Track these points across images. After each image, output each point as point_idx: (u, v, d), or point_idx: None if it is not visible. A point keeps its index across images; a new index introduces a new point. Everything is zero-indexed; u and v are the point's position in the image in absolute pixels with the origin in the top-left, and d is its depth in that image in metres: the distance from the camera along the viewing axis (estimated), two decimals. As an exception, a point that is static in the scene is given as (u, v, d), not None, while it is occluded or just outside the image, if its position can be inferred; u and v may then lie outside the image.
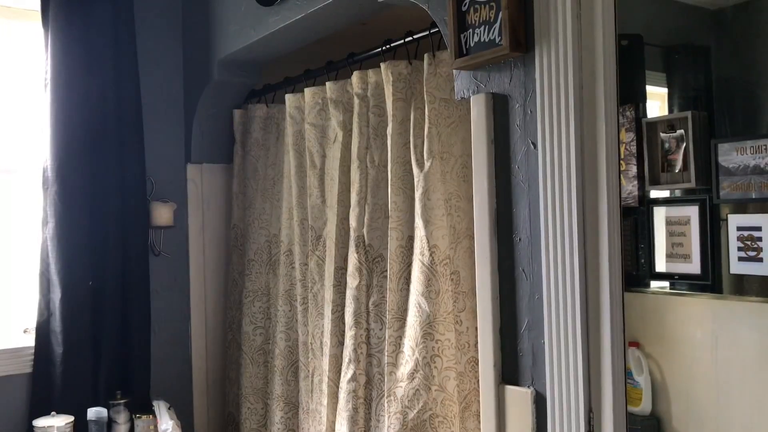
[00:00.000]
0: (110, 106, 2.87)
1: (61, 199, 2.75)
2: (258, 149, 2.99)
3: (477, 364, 1.89)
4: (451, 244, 2.09)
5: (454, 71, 1.80)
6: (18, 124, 2.91)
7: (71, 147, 2.78)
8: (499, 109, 1.66)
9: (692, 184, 2.67)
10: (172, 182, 3.11)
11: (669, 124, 2.77)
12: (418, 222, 2.11)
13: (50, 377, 2.77)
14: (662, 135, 2.79)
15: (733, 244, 2.55)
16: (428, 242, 2.06)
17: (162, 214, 2.99)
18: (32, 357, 2.79)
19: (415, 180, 2.13)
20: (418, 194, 2.11)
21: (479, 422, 1.76)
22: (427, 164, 2.09)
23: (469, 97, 1.74)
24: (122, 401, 2.77)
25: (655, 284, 2.85)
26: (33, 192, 2.87)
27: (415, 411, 2.04)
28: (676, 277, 2.75)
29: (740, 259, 2.53)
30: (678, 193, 2.80)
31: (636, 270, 2.86)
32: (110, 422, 2.73)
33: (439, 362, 2.02)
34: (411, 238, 2.19)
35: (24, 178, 2.92)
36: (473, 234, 1.76)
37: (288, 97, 2.74)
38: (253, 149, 3.00)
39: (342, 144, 2.46)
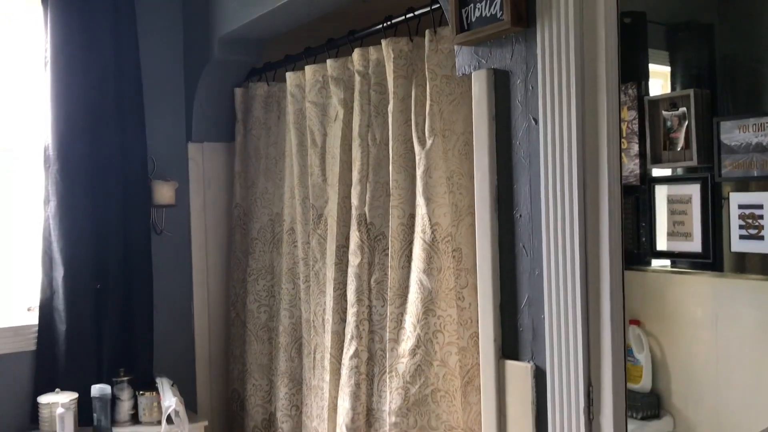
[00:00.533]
0: (111, 84, 2.86)
1: (62, 178, 2.76)
2: (259, 128, 2.99)
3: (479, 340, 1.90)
4: (453, 221, 2.09)
5: (455, 47, 1.80)
6: (18, 103, 2.90)
7: (72, 126, 2.78)
8: (501, 84, 1.65)
9: (694, 163, 2.67)
10: (174, 161, 3.11)
11: (671, 102, 2.76)
12: (420, 200, 2.11)
13: (54, 355, 2.79)
14: (664, 113, 2.78)
15: (735, 222, 2.55)
16: (430, 220, 2.07)
17: (163, 192, 2.99)
18: (36, 335, 2.81)
19: (417, 158, 2.13)
20: (419, 172, 2.11)
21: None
22: (428, 142, 2.08)
23: (471, 73, 1.74)
24: (125, 378, 2.79)
25: (656, 262, 2.86)
26: (35, 171, 2.87)
27: (416, 386, 2.05)
28: (677, 255, 2.76)
29: (741, 237, 2.54)
30: (680, 171, 2.80)
31: (637, 248, 2.86)
32: (114, 399, 2.75)
33: (440, 338, 2.03)
34: (412, 216, 2.19)
35: (25, 157, 2.92)
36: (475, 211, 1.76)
37: (289, 75, 2.73)
38: (254, 128, 3.00)
39: (343, 122, 2.45)
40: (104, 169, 2.85)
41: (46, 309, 2.80)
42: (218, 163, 3.19)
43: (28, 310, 2.89)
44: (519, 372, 1.60)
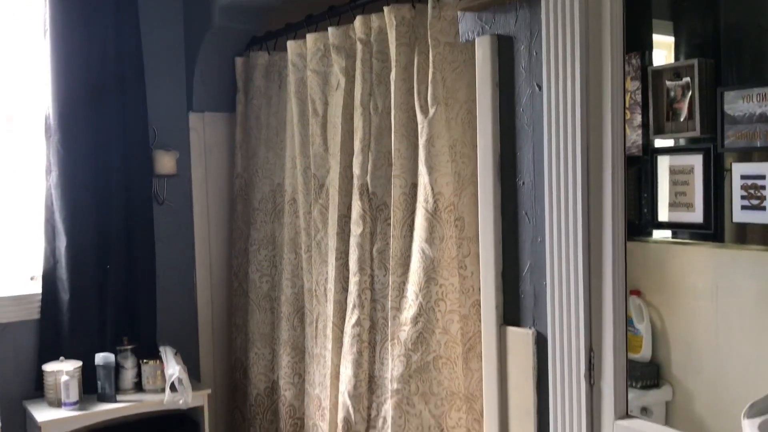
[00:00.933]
0: (111, 53, 2.85)
1: (63, 147, 2.75)
2: (260, 98, 2.97)
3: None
4: (455, 190, 2.09)
5: (458, 13, 1.78)
6: (18, 72, 2.88)
7: (72, 95, 2.76)
8: (504, 51, 1.64)
9: (697, 133, 2.65)
10: (175, 131, 3.10)
11: (675, 72, 2.74)
12: (422, 169, 2.10)
13: (58, 323, 2.81)
14: (668, 83, 2.76)
15: (737, 192, 2.54)
16: (432, 189, 2.07)
17: (165, 162, 2.99)
18: (39, 304, 2.82)
19: (419, 126, 2.12)
20: (422, 141, 2.10)
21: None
22: (431, 110, 2.07)
23: (474, 39, 1.72)
24: (129, 347, 2.81)
25: (657, 233, 2.85)
26: (36, 140, 2.86)
27: (418, 354, 2.07)
28: (679, 226, 2.76)
29: (743, 207, 2.53)
30: (682, 142, 2.78)
31: (638, 219, 2.86)
32: (117, 367, 2.77)
33: (442, 306, 2.04)
34: (415, 186, 2.19)
35: (26, 126, 2.91)
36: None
37: (290, 43, 2.71)
38: (255, 98, 2.99)
39: (345, 91, 2.44)
40: (105, 139, 2.84)
41: (49, 278, 2.81)
42: (219, 133, 3.18)
43: (31, 279, 2.90)
44: (520, 338, 1.61)
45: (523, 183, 1.62)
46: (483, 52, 1.67)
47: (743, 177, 2.52)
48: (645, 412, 2.64)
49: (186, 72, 3.12)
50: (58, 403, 2.64)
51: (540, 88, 1.56)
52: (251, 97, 3.00)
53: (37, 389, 2.76)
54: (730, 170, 2.58)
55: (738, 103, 2.53)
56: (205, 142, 3.16)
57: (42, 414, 2.60)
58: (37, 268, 2.85)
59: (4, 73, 2.87)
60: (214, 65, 3.10)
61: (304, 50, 2.65)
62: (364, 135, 2.34)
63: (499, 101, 1.66)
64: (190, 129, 3.13)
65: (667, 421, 2.67)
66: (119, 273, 2.88)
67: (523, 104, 1.61)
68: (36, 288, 2.84)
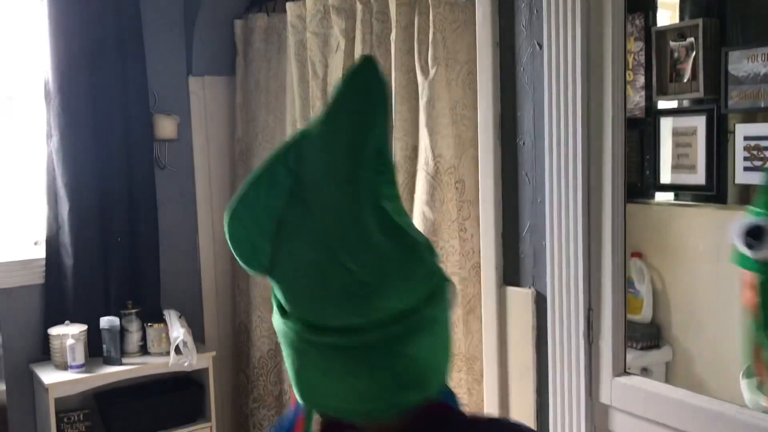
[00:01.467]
0: (109, 16, 2.82)
1: (63, 112, 2.74)
2: (260, 61, 2.95)
3: (480, 269, 1.91)
4: (456, 153, 2.08)
5: (458, -29, 1.76)
6: (17, 36, 2.86)
7: (71, 59, 2.74)
8: (505, 8, 1.62)
9: (700, 94, 2.63)
10: (175, 95, 3.08)
11: (679, 32, 2.70)
12: (423, 131, 2.09)
13: (62, 288, 2.83)
14: (672, 44, 2.73)
15: (740, 153, 2.53)
16: (433, 152, 2.06)
17: (165, 127, 2.98)
18: (44, 268, 2.84)
19: (420, 88, 2.11)
20: (422, 103, 2.09)
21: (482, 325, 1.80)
22: (431, 71, 2.06)
23: (474, -3, 1.70)
24: (134, 311, 2.83)
25: (659, 195, 2.85)
26: (35, 105, 2.85)
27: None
28: (681, 188, 2.75)
29: (746, 168, 2.52)
30: (686, 103, 2.76)
31: (640, 182, 2.85)
32: (123, 331, 2.80)
33: (442, 268, 2.05)
34: (415, 148, 2.18)
35: (26, 90, 2.90)
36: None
37: (289, 5, 2.68)
38: (255, 61, 2.96)
39: (344, 53, 2.42)
40: (105, 103, 2.83)
41: (52, 243, 2.83)
42: (220, 97, 3.17)
43: (35, 243, 2.92)
44: (520, 298, 1.62)
45: (524, 143, 1.61)
46: (483, 11, 1.65)
47: (746, 138, 2.51)
48: (645, 372, 2.67)
49: (185, 35, 3.10)
50: (64, 366, 2.67)
51: (540, 46, 1.55)
52: (251, 60, 2.98)
53: (44, 353, 2.80)
54: (734, 131, 2.56)
55: (742, 63, 2.51)
56: (206, 106, 3.15)
57: (49, 376, 2.64)
58: (41, 233, 2.87)
59: (2, 39, 2.84)
60: (213, 28, 3.07)
61: (303, 12, 2.62)
62: (365, 97, 2.32)
63: (500, 61, 1.64)
64: (190, 93, 3.11)
65: (668, 381, 2.70)
66: (122, 237, 2.89)
67: (524, 64, 1.60)
68: (40, 253, 2.85)
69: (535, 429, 1.60)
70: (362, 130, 0.79)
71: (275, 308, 0.84)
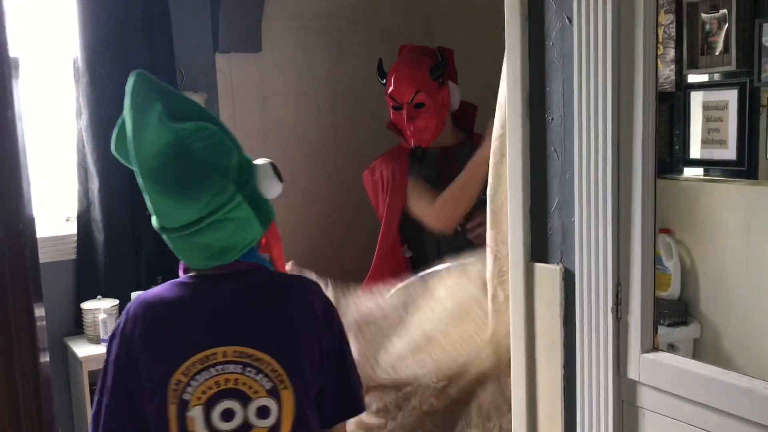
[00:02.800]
0: (136, -6, 2.84)
1: (92, 89, 2.77)
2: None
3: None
4: None
5: (487, -56, 1.73)
6: (45, 14, 2.89)
7: (99, 37, 2.77)
8: (534, -18, 1.60)
9: (732, 67, 2.58)
10: (202, 72, 3.10)
11: (711, 3, 2.65)
12: None
13: (93, 263, 2.88)
14: (703, 16, 2.68)
15: (773, 128, 2.49)
16: None
17: (193, 104, 3.00)
18: (75, 244, 2.89)
19: None
20: None
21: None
22: None
23: (503, -29, 1.68)
24: (163, 285, 2.88)
25: (688, 171, 2.81)
26: (65, 83, 2.89)
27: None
28: (711, 163, 2.71)
29: (778, 144, 2.48)
30: (717, 77, 2.71)
31: (670, 157, 2.81)
32: (153, 305, 2.85)
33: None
34: None
35: (56, 68, 2.93)
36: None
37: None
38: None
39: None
40: (133, 81, 2.85)
41: (83, 219, 2.88)
42: (246, 74, 3.18)
43: (67, 220, 2.97)
44: (548, 274, 1.61)
45: (552, 119, 1.60)
46: (512, -15, 1.63)
47: (779, 112, 2.46)
48: (672, 349, 2.65)
49: (212, 13, 3.10)
50: (97, 340, 2.74)
51: (570, 21, 1.52)
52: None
53: (77, 326, 2.86)
54: (766, 105, 2.52)
55: (777, 36, 2.45)
56: (233, 83, 3.16)
57: (82, 350, 2.70)
58: (72, 210, 2.92)
59: (33, 17, 2.87)
60: (241, 4, 3.07)
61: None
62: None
63: (529, 35, 1.62)
64: (216, 70, 3.12)
65: (695, 358, 2.68)
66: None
67: (553, 38, 1.58)
68: (72, 229, 2.90)
69: (561, 401, 1.61)
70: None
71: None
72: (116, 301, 2.78)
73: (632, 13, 1.44)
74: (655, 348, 1.48)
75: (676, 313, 2.73)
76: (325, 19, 3.39)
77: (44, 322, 1.06)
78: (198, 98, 3.01)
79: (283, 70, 3.28)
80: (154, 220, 1.52)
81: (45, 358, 1.00)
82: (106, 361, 1.50)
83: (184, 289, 1.54)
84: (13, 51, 0.93)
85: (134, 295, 2.78)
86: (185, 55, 3.03)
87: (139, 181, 1.49)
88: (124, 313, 1.53)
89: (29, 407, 0.93)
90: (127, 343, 1.46)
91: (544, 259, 1.64)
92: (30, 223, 0.97)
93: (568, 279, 1.58)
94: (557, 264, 1.60)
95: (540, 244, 1.65)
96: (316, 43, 3.38)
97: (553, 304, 1.60)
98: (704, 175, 2.77)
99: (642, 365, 1.47)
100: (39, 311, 0.98)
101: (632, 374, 1.49)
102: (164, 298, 1.53)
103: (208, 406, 1.42)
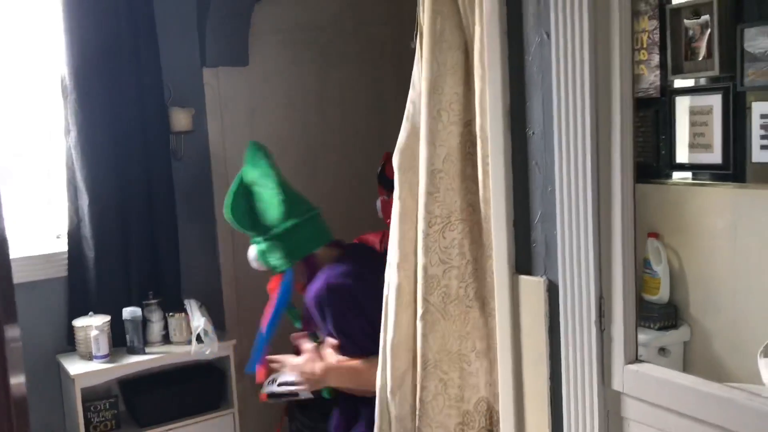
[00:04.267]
0: (123, 11, 2.85)
1: (80, 107, 2.78)
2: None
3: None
4: None
5: (465, -40, 1.75)
6: (33, 33, 2.89)
7: (87, 54, 2.78)
8: (512, -2, 1.62)
9: (716, 72, 2.60)
10: (190, 87, 3.11)
11: (694, 10, 2.67)
12: None
13: (85, 280, 2.89)
14: (686, 22, 2.70)
15: (756, 132, 2.51)
16: None
17: (180, 119, 3.01)
18: (66, 261, 2.89)
19: None
20: None
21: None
22: None
23: (481, -13, 1.70)
24: (155, 301, 2.89)
25: (676, 175, 2.83)
26: (53, 101, 2.89)
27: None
28: (697, 167, 2.73)
29: (762, 147, 2.49)
30: (702, 81, 2.73)
31: (656, 161, 2.83)
32: (145, 321, 2.86)
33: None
34: None
35: (43, 86, 2.94)
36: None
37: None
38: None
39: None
40: (121, 97, 2.86)
41: (74, 236, 2.88)
42: (234, 87, 3.19)
43: (57, 237, 2.97)
44: (532, 286, 1.63)
45: (533, 133, 1.62)
46: (491, 1, 1.64)
47: (763, 116, 2.48)
48: (663, 352, 2.67)
49: (198, 27, 3.11)
50: (89, 356, 2.74)
51: (548, 35, 1.54)
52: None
53: (69, 343, 2.86)
54: (750, 109, 2.53)
55: (758, 40, 2.47)
56: (221, 97, 3.17)
57: (74, 367, 2.70)
58: (62, 227, 2.92)
59: (19, 36, 2.88)
60: (227, 18, 3.08)
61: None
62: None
63: (508, 50, 1.64)
64: (204, 84, 3.13)
65: (685, 361, 2.70)
66: (141, 229, 2.94)
67: (532, 53, 1.59)
68: (62, 246, 2.91)
69: (548, 413, 1.62)
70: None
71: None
72: (107, 318, 2.79)
73: (608, 27, 1.46)
74: (638, 359, 1.50)
75: (665, 316, 2.75)
76: (313, 31, 3.41)
77: (19, 343, 1.07)
78: (186, 113, 3.03)
79: (270, 83, 3.30)
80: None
81: (18, 379, 1.00)
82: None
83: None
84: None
85: (126, 311, 2.78)
86: (173, 70, 3.04)
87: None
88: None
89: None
90: None
91: (529, 272, 1.66)
92: (2, 243, 0.97)
93: (553, 291, 1.60)
94: (541, 276, 1.62)
95: (524, 256, 1.67)
96: (303, 56, 3.39)
97: (538, 316, 1.61)
98: (691, 179, 2.79)
99: (626, 376, 1.48)
100: (12, 332, 0.98)
101: (616, 385, 1.50)
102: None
103: None
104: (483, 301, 1.83)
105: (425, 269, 1.80)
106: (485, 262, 1.80)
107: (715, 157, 2.65)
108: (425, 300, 1.80)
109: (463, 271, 1.81)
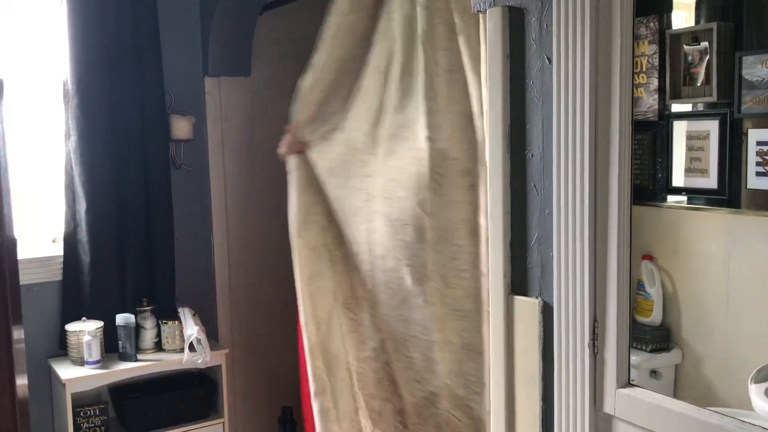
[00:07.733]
0: (126, 18, 2.86)
1: (81, 112, 2.79)
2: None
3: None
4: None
5: (470, -18, 1.77)
6: (36, 37, 2.90)
7: (90, 60, 2.79)
8: (515, 22, 1.64)
9: (714, 98, 2.63)
10: (191, 95, 3.12)
11: (693, 36, 2.70)
12: None
13: (79, 285, 2.88)
14: (686, 47, 2.73)
15: (752, 158, 2.53)
16: None
17: (181, 127, 3.02)
18: (61, 266, 2.89)
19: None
20: None
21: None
22: None
23: (485, 9, 1.72)
24: (148, 308, 2.88)
25: (671, 198, 2.85)
26: (54, 105, 2.90)
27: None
28: (693, 191, 2.75)
29: (758, 174, 2.52)
30: (699, 107, 2.76)
31: (653, 184, 2.85)
32: (138, 328, 2.85)
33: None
34: None
35: (45, 91, 2.95)
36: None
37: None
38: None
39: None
40: (122, 103, 2.87)
41: (70, 241, 2.88)
42: (235, 97, 3.20)
43: (53, 241, 2.97)
44: (527, 307, 1.64)
45: (532, 155, 1.63)
46: (494, 24, 1.66)
47: (759, 143, 2.50)
48: (654, 374, 2.68)
49: (201, 36, 3.13)
50: (81, 362, 2.73)
51: (550, 61, 1.56)
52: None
53: (61, 348, 2.86)
54: (746, 136, 2.56)
55: (756, 68, 2.50)
56: (221, 106, 3.18)
57: (66, 372, 2.69)
58: (59, 231, 2.92)
59: (22, 39, 2.89)
60: (230, 29, 3.10)
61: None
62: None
63: (510, 74, 1.66)
64: (206, 93, 3.15)
65: (676, 384, 2.71)
66: (138, 236, 2.94)
67: (533, 77, 1.61)
68: (58, 250, 2.91)
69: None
70: None
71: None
72: (101, 323, 2.78)
73: (609, 54, 1.48)
74: (630, 383, 1.51)
75: (657, 339, 2.76)
76: (314, 43, 3.42)
77: (23, 345, 1.07)
78: (187, 121, 3.04)
79: (271, 94, 3.31)
80: None
81: (23, 380, 1.01)
82: None
83: None
84: (-3, 74, 0.94)
85: (119, 317, 2.78)
86: (175, 79, 3.05)
87: None
88: None
89: (5, 429, 0.94)
90: None
91: (524, 293, 1.67)
92: (11, 245, 0.98)
93: (547, 312, 1.61)
94: (536, 297, 1.63)
95: (520, 277, 1.68)
96: (304, 68, 3.40)
97: (532, 336, 1.63)
98: (687, 203, 2.81)
99: (617, 400, 1.49)
100: (18, 334, 0.99)
101: (608, 408, 1.51)
102: None
103: None
104: None
105: None
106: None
107: (710, 182, 2.67)
108: None
109: None
